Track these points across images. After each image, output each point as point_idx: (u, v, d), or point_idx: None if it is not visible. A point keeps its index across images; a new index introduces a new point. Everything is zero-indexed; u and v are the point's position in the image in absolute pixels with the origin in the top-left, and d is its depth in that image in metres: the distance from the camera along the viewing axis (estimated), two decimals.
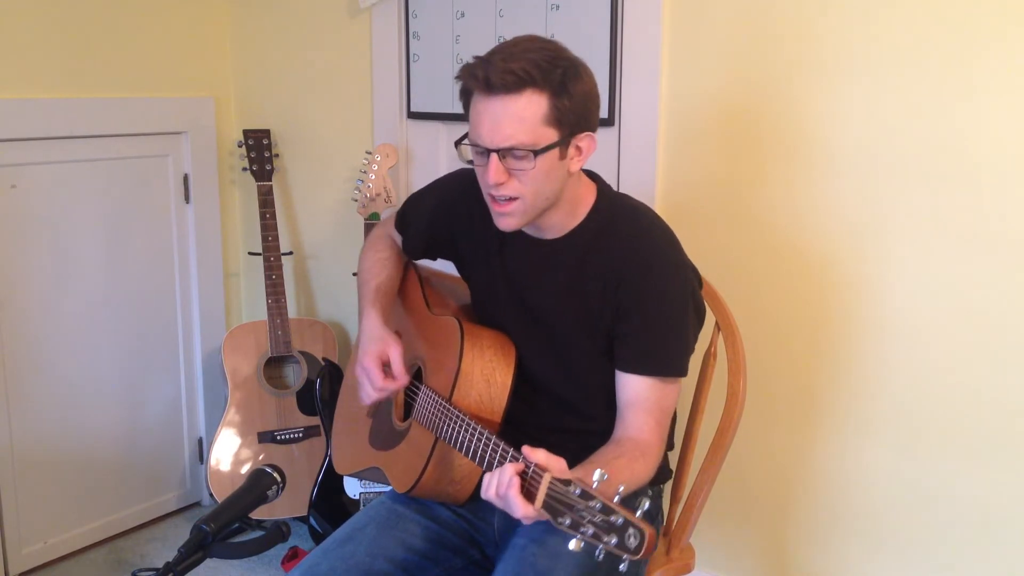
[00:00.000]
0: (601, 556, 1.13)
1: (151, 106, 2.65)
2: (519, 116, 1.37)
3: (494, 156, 1.40)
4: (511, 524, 1.56)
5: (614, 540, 1.11)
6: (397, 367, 1.59)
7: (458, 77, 1.44)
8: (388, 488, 1.67)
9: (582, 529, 1.14)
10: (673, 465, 1.76)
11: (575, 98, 1.39)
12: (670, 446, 1.72)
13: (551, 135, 1.40)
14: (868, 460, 2.03)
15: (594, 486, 1.15)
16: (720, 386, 1.73)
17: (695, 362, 1.74)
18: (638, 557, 1.10)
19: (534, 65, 1.36)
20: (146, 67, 2.65)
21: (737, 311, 1.75)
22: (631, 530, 1.11)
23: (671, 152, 2.18)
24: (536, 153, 1.39)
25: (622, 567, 1.13)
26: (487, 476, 1.28)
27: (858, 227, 1.97)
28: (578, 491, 1.16)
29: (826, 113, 1.97)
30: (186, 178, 2.76)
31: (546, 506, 1.19)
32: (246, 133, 2.73)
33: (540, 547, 1.46)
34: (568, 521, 1.16)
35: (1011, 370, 1.85)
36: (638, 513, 1.13)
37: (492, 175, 1.40)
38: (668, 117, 2.16)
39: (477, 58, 1.40)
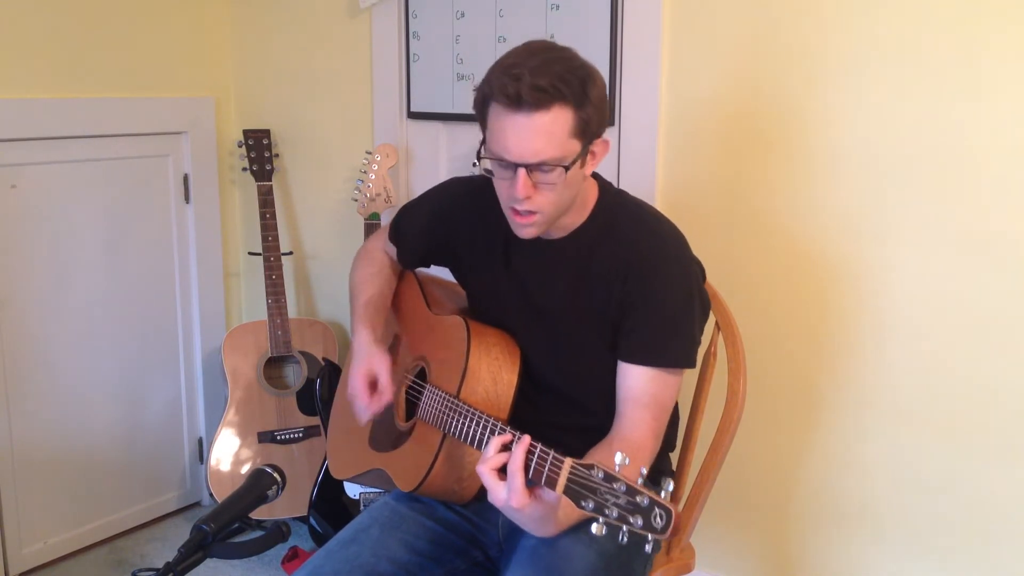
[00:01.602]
0: (625, 539, 1.14)
1: (151, 106, 2.65)
2: (548, 131, 1.36)
3: (522, 171, 1.39)
4: (517, 525, 1.57)
5: (640, 521, 1.13)
6: (384, 380, 1.62)
7: (481, 89, 1.42)
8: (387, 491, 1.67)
9: (606, 511, 1.15)
10: (673, 465, 1.76)
11: (596, 106, 1.40)
12: (671, 446, 1.72)
13: (576, 147, 1.40)
14: (868, 459, 2.04)
15: (617, 470, 1.17)
16: (720, 386, 1.73)
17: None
18: (665, 536, 1.12)
19: (560, 79, 1.35)
20: (146, 67, 2.65)
21: (737, 311, 1.75)
22: (657, 510, 1.12)
23: (671, 152, 2.18)
24: (567, 168, 1.39)
25: (648, 548, 1.14)
26: (490, 446, 1.30)
27: (858, 227, 1.97)
28: (601, 474, 1.17)
29: (827, 113, 1.97)
30: (186, 178, 2.76)
31: (568, 491, 1.21)
32: (246, 133, 2.73)
33: (551, 549, 1.45)
34: (591, 505, 1.17)
35: (1011, 368, 1.85)
36: (663, 495, 1.14)
37: (521, 190, 1.39)
38: (668, 117, 2.16)
39: (503, 72, 1.37)
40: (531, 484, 1.27)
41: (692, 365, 1.53)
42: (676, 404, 1.71)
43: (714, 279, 1.77)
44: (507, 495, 1.26)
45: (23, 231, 2.42)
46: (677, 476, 1.77)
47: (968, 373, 1.89)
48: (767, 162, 2.06)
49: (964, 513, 1.94)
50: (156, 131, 2.68)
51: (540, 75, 1.34)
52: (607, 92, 1.45)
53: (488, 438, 1.39)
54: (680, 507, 1.75)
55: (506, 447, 1.30)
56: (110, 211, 2.60)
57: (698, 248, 1.60)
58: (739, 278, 2.10)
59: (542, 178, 1.40)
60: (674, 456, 1.75)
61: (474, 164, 1.48)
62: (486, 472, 1.29)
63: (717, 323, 1.74)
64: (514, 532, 1.57)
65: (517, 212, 1.45)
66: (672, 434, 1.71)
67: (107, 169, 2.58)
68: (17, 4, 2.36)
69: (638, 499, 1.14)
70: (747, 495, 2.21)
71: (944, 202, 1.87)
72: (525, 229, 1.47)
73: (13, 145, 2.37)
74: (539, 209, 1.43)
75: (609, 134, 2.22)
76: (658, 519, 1.12)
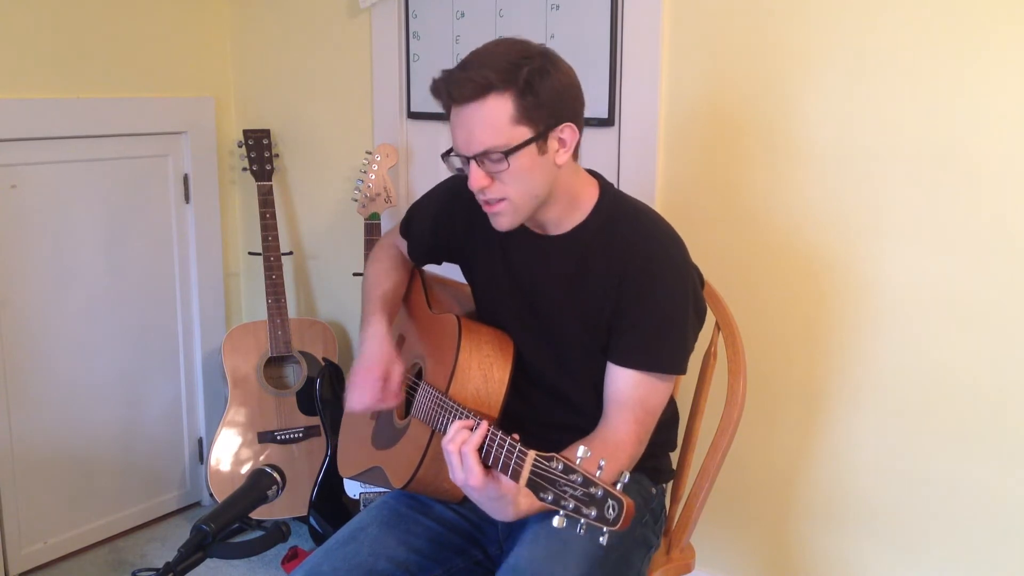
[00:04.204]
0: (583, 531, 1.16)
1: (151, 106, 2.65)
2: (486, 121, 1.40)
3: (472, 162, 1.43)
4: (517, 523, 1.56)
5: (594, 512, 1.14)
6: (394, 385, 1.63)
7: (430, 93, 1.47)
8: (387, 491, 1.67)
9: (563, 503, 1.17)
10: (673, 465, 1.76)
11: (543, 94, 1.40)
12: (671, 446, 1.72)
13: (523, 133, 1.41)
14: (868, 459, 2.04)
15: (577, 463, 1.18)
16: (720, 386, 1.73)
17: (695, 362, 1.74)
18: (617, 528, 1.13)
19: (493, 70, 1.38)
20: (146, 67, 2.65)
21: (737, 311, 1.75)
22: (610, 501, 1.13)
23: (671, 152, 2.18)
24: (507, 154, 1.40)
25: (601, 540, 1.14)
26: (452, 427, 1.33)
27: (857, 226, 1.97)
28: (561, 466, 1.19)
29: (826, 113, 1.97)
30: (186, 178, 2.76)
31: (530, 483, 1.22)
32: (246, 133, 2.73)
33: (551, 535, 1.44)
34: (550, 497, 1.19)
35: (1008, 367, 1.85)
36: (618, 486, 1.15)
37: (473, 181, 1.44)
38: (668, 117, 2.16)
39: (443, 72, 1.43)
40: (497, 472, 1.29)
41: (683, 371, 1.52)
42: (675, 405, 1.71)
43: (714, 279, 1.77)
44: (464, 474, 1.29)
45: (23, 231, 2.42)
46: (677, 476, 1.77)
47: (966, 371, 1.89)
48: (767, 162, 2.06)
49: (967, 509, 1.94)
50: (156, 131, 2.68)
51: (471, 68, 1.39)
52: (575, 81, 1.46)
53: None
54: (680, 507, 1.76)
55: (469, 430, 1.32)
56: (110, 211, 2.60)
57: (698, 247, 1.60)
58: (739, 278, 2.10)
59: (493, 167, 1.42)
60: (674, 456, 1.75)
61: (444, 159, 1.51)
62: (449, 451, 1.31)
63: (717, 323, 1.74)
64: (514, 532, 1.57)
65: (487, 203, 1.48)
66: (672, 434, 1.71)
67: (107, 169, 2.58)
68: (17, 4, 2.36)
69: (592, 490, 1.15)
70: (747, 495, 2.21)
71: (941, 200, 1.87)
72: (497, 219, 1.49)
73: (13, 145, 2.37)
74: (504, 197, 1.45)
75: (609, 134, 2.22)
76: (611, 510, 1.13)
